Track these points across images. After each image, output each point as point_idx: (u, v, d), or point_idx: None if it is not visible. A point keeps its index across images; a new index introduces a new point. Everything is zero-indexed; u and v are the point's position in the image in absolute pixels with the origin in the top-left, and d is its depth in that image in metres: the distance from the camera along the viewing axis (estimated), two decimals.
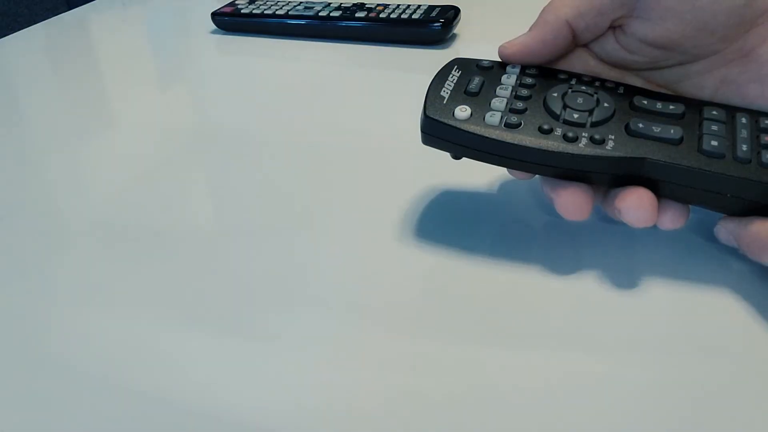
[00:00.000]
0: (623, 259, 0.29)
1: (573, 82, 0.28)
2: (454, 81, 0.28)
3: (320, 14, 0.57)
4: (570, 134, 0.25)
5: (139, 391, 0.23)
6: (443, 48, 0.53)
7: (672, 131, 0.25)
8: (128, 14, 0.69)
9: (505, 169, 0.28)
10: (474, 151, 0.27)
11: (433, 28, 0.53)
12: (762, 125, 0.26)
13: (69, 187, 0.37)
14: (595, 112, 0.26)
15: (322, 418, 0.22)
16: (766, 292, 0.26)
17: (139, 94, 0.49)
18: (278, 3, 0.60)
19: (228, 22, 0.60)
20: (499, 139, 0.26)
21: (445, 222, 0.32)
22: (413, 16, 0.54)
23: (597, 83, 0.28)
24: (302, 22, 0.57)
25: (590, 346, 0.25)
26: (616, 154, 0.25)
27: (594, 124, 0.26)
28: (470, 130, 0.26)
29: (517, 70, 0.29)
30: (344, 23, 0.56)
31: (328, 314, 0.27)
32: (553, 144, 0.25)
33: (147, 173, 0.38)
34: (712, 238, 0.28)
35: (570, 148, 0.25)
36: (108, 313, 0.27)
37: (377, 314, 0.27)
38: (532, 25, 0.28)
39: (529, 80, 0.28)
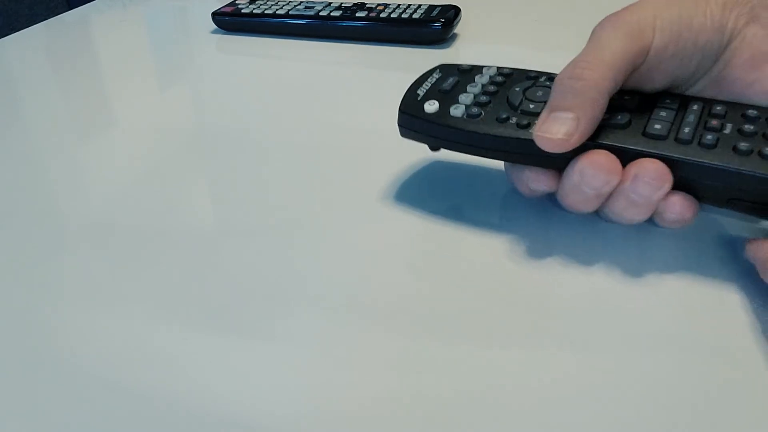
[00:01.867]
0: (632, 253, 0.29)
1: (542, 79, 0.30)
2: (432, 82, 0.32)
3: (321, 14, 0.57)
4: (524, 122, 0.28)
5: (140, 391, 0.23)
6: (444, 48, 0.53)
7: (620, 117, 0.27)
8: (128, 14, 0.69)
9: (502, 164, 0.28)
10: (442, 141, 0.30)
11: (433, 28, 0.53)
12: (713, 111, 0.27)
13: (69, 187, 0.37)
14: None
15: (321, 418, 0.22)
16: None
17: (139, 94, 0.49)
18: (279, 3, 0.60)
19: (228, 21, 0.60)
20: (460, 128, 0.29)
21: (447, 222, 0.32)
22: (414, 16, 0.54)
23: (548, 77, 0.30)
24: (303, 21, 0.57)
25: (591, 344, 0.25)
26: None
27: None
28: (436, 121, 0.29)
29: (493, 70, 0.31)
30: (345, 23, 0.56)
31: (328, 314, 0.27)
32: (506, 131, 0.28)
33: (147, 173, 0.38)
34: (715, 238, 0.28)
35: (521, 133, 0.27)
36: (109, 312, 0.27)
37: (377, 313, 0.27)
38: (574, 96, 0.26)
39: (500, 78, 0.31)
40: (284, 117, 0.44)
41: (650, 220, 0.28)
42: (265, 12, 0.59)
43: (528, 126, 0.27)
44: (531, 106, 0.28)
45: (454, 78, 0.31)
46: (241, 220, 0.33)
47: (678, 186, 0.26)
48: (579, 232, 0.30)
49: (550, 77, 0.30)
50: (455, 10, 0.55)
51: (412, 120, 0.30)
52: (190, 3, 0.71)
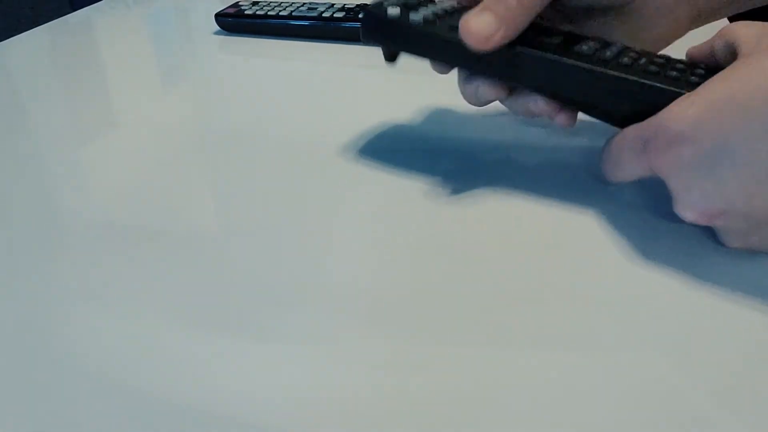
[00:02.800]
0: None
1: None
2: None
3: (323, 15, 0.57)
4: None
5: (141, 391, 0.24)
6: None
7: (553, 38, 0.31)
8: (132, 15, 0.69)
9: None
10: (399, 44, 0.34)
11: None
12: (630, 49, 0.31)
13: (73, 188, 0.37)
14: None
15: (322, 418, 0.22)
16: None
17: (142, 95, 0.49)
18: (281, 4, 0.61)
19: (231, 23, 0.61)
20: (416, 30, 0.32)
21: (447, 223, 0.32)
22: None
23: None
24: (305, 23, 0.57)
25: (591, 344, 0.25)
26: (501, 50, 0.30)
27: None
28: (396, 24, 0.33)
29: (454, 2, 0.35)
30: (347, 24, 0.56)
31: (329, 313, 0.27)
32: (455, 36, 0.30)
33: (150, 173, 0.38)
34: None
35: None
36: (110, 312, 0.27)
37: (376, 313, 0.27)
38: (503, 4, 0.29)
39: (457, 6, 0.34)
40: (287, 118, 0.44)
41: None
42: (268, 13, 0.59)
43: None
44: None
45: None
46: (242, 220, 0.33)
47: (591, 101, 0.30)
48: (579, 230, 0.30)
49: None
50: None
51: (375, 22, 0.34)
52: (192, 4, 0.71)
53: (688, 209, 0.27)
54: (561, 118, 0.32)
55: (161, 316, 0.27)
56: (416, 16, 0.33)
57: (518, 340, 0.25)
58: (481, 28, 0.29)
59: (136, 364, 0.25)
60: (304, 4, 0.60)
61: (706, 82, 0.26)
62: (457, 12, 0.33)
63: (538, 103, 0.31)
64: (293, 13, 0.58)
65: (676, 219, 0.28)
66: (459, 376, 0.24)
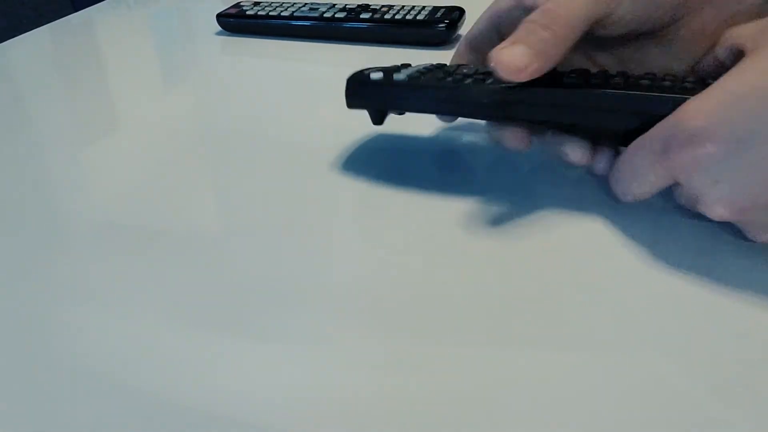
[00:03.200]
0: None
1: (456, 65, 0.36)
2: (375, 67, 0.36)
3: (325, 15, 0.57)
4: (459, 78, 0.32)
5: (141, 391, 0.24)
6: (448, 49, 0.53)
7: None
8: (133, 16, 0.70)
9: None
10: (387, 103, 0.35)
11: (438, 29, 0.53)
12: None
13: (74, 187, 0.37)
14: (481, 70, 0.33)
15: (322, 418, 0.22)
16: None
17: (144, 96, 0.49)
18: (283, 4, 0.61)
19: (233, 23, 0.61)
20: (403, 86, 0.33)
21: (447, 222, 0.32)
22: (418, 17, 0.54)
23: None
24: (307, 23, 0.57)
25: (592, 344, 0.25)
26: (495, 87, 0.31)
27: (483, 73, 0.32)
28: (381, 85, 0.34)
29: (422, 65, 0.36)
30: (349, 24, 0.56)
31: (328, 313, 0.27)
32: (445, 84, 0.32)
33: (151, 174, 0.38)
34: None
35: (459, 85, 0.32)
36: (110, 312, 0.27)
37: (376, 313, 0.27)
38: (539, 39, 0.29)
39: (433, 65, 0.36)
40: (288, 118, 0.44)
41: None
42: (270, 14, 0.59)
43: (462, 80, 0.32)
44: (465, 70, 0.34)
45: (392, 67, 0.36)
46: (244, 221, 0.33)
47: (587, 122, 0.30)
48: (578, 230, 0.30)
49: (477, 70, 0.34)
50: (459, 12, 0.55)
51: (360, 87, 0.35)
52: (194, 5, 0.71)
53: (718, 205, 0.26)
54: (598, 167, 0.31)
55: (161, 315, 0.27)
56: (400, 76, 0.34)
57: (518, 340, 0.25)
58: (513, 60, 0.28)
59: (136, 364, 0.25)
60: (306, 4, 0.60)
61: (719, 80, 0.25)
62: (436, 69, 0.35)
63: (576, 151, 0.31)
64: (294, 14, 0.58)
65: (684, 215, 0.27)
66: (459, 376, 0.24)
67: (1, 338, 0.26)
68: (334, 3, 0.60)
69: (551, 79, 0.30)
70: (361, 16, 0.56)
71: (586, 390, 0.23)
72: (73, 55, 0.59)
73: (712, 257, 0.28)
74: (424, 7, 0.55)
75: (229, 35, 0.61)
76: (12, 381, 0.24)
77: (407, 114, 0.36)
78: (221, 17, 0.61)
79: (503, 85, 0.30)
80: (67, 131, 0.44)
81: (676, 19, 0.31)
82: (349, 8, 0.57)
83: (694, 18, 0.31)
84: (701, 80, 0.28)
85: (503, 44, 0.29)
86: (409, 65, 0.36)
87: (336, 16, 0.56)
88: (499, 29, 0.35)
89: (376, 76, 0.34)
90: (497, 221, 0.32)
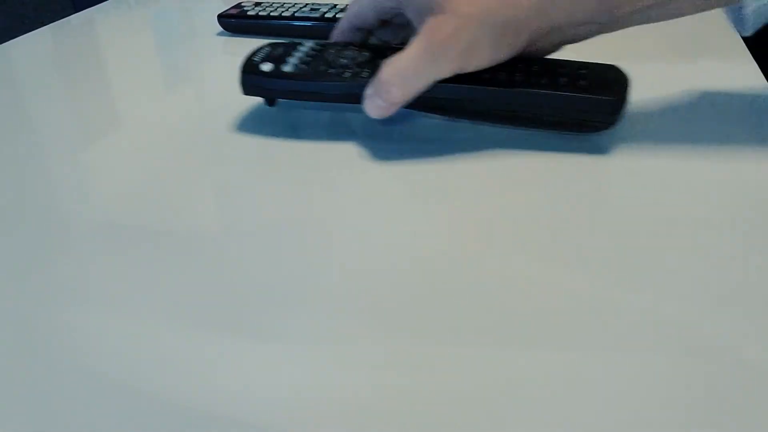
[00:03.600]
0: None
1: (347, 47, 0.41)
2: (265, 52, 0.41)
3: (326, 16, 0.57)
4: (340, 72, 0.39)
5: (141, 391, 0.23)
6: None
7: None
8: (135, 16, 0.70)
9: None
10: (277, 92, 0.41)
11: None
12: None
13: (75, 188, 0.37)
14: (358, 61, 0.39)
15: (322, 418, 0.22)
16: None
17: (144, 96, 0.49)
18: (284, 5, 0.61)
19: (234, 24, 0.61)
20: (290, 79, 0.39)
21: (447, 222, 0.32)
22: None
23: (355, 47, 0.41)
24: (308, 23, 0.57)
25: (594, 344, 0.25)
26: (364, 82, 0.37)
27: (359, 65, 0.39)
28: (271, 77, 0.39)
29: (308, 45, 0.42)
30: None
31: (328, 313, 0.27)
32: (325, 79, 0.39)
33: (152, 174, 0.38)
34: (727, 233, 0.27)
35: (336, 80, 0.38)
36: (110, 312, 0.27)
37: (377, 313, 0.26)
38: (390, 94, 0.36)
39: (317, 47, 0.41)
40: (290, 119, 0.44)
41: None
42: (271, 14, 0.59)
43: (340, 76, 0.38)
44: (343, 61, 0.39)
45: (282, 48, 0.41)
46: (246, 222, 0.33)
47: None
48: (578, 230, 0.30)
49: (353, 46, 0.41)
50: None
51: (253, 78, 0.40)
52: (195, 5, 0.71)
53: None
54: None
55: (161, 315, 0.27)
56: (287, 67, 0.39)
57: (518, 340, 0.25)
58: (375, 112, 0.37)
59: (136, 364, 0.25)
60: (307, 5, 0.60)
61: None
62: (319, 53, 0.41)
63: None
64: (296, 14, 0.58)
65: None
66: (459, 376, 0.24)
67: (2, 338, 0.26)
68: (335, 3, 0.60)
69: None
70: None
71: (587, 391, 0.23)
72: (73, 55, 0.59)
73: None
74: None
75: (230, 36, 0.61)
76: (12, 381, 0.24)
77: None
78: (222, 18, 0.61)
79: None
80: (68, 131, 0.44)
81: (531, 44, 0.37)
82: None
83: (545, 41, 0.37)
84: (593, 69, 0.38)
85: (367, 91, 0.37)
86: (300, 44, 0.42)
87: (337, 16, 0.56)
88: (375, 7, 0.41)
89: (267, 67, 0.39)
90: (498, 222, 0.32)
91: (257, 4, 0.62)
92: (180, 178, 0.38)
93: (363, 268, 0.29)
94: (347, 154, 0.39)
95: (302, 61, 0.39)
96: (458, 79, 0.36)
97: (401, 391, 0.23)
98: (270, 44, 0.42)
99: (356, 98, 0.37)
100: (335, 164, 0.38)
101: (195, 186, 0.37)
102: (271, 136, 0.42)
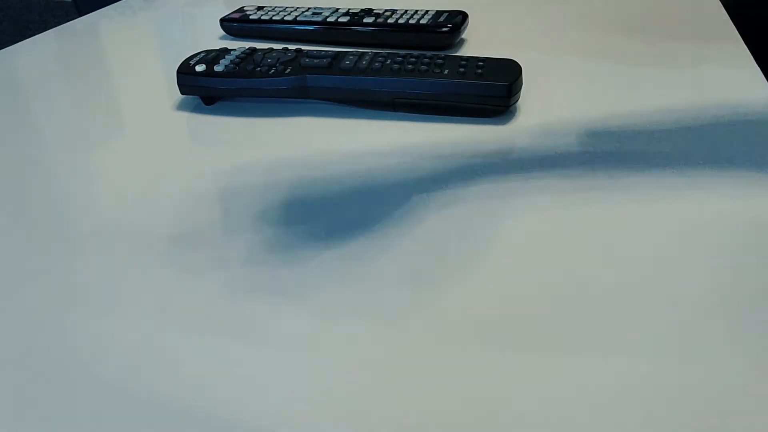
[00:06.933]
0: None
1: (266, 50, 0.48)
2: (200, 56, 0.48)
3: (328, 20, 0.57)
4: (264, 70, 0.45)
5: (142, 391, 0.24)
6: (451, 53, 0.53)
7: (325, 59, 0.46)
8: (138, 21, 0.70)
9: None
10: (212, 90, 0.46)
11: (441, 33, 0.53)
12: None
13: (79, 191, 0.38)
14: (282, 60, 0.46)
15: (322, 418, 0.22)
16: None
17: (147, 100, 0.49)
18: (286, 9, 0.61)
19: (236, 28, 0.61)
20: (222, 78, 0.45)
21: (447, 222, 0.32)
22: (421, 22, 0.54)
23: (282, 49, 0.48)
24: (310, 28, 0.58)
25: (592, 344, 0.25)
26: (291, 77, 0.44)
27: (283, 63, 0.45)
28: (205, 76, 0.46)
29: (242, 48, 0.48)
30: (352, 29, 0.56)
31: (328, 313, 0.27)
32: (252, 77, 0.45)
33: (156, 179, 0.38)
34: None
35: (261, 76, 0.45)
36: (110, 313, 0.27)
37: (377, 313, 0.27)
38: None
39: (247, 50, 0.48)
40: (291, 120, 0.44)
41: None
42: (273, 18, 0.59)
43: (268, 71, 0.44)
44: (269, 60, 0.46)
45: (215, 53, 0.48)
46: (243, 220, 0.33)
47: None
48: (578, 229, 0.30)
49: (279, 49, 0.47)
50: (462, 16, 0.55)
51: (188, 78, 0.46)
52: (198, 10, 0.72)
53: None
54: None
55: (161, 315, 0.27)
56: (218, 68, 0.45)
57: (519, 340, 0.25)
58: None
59: (136, 365, 0.25)
60: (309, 9, 0.60)
61: None
62: (248, 56, 0.46)
63: None
64: (298, 18, 0.58)
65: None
66: (459, 377, 0.24)
67: (4, 338, 0.27)
68: (338, 8, 0.60)
69: (338, 70, 0.44)
70: (364, 20, 0.56)
71: (589, 391, 0.23)
72: (78, 60, 0.60)
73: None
74: (427, 12, 0.55)
75: (233, 39, 0.61)
76: (12, 381, 0.25)
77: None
78: (225, 22, 0.61)
79: (300, 75, 0.44)
80: (72, 135, 0.45)
81: None
82: (353, 13, 0.57)
83: None
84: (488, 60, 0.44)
85: None
86: (233, 49, 0.48)
87: (339, 20, 0.57)
88: None
89: (201, 68, 0.45)
90: (499, 221, 0.32)
91: (260, 8, 0.62)
92: (181, 180, 0.38)
93: (363, 267, 0.29)
94: (348, 152, 0.39)
95: (232, 62, 0.45)
96: (368, 71, 0.43)
97: (401, 391, 0.23)
98: (205, 51, 0.49)
99: (281, 93, 0.44)
100: (335, 163, 0.38)
101: (195, 187, 0.37)
102: (271, 136, 0.42)
